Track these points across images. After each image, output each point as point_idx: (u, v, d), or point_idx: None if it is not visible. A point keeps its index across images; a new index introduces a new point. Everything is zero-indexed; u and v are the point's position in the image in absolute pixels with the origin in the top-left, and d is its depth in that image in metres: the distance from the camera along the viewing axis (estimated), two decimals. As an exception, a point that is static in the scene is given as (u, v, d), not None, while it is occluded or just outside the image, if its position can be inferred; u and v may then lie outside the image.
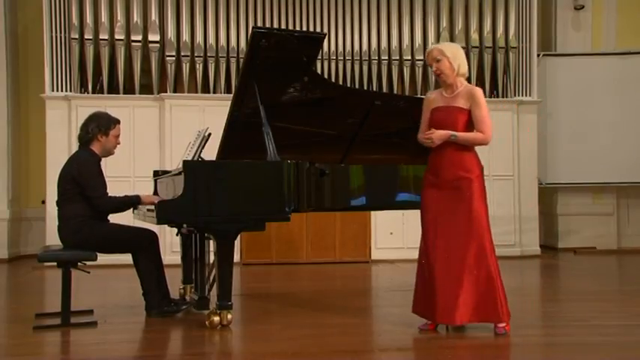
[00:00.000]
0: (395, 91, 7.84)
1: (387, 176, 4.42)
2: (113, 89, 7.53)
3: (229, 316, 3.88)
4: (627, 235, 8.78)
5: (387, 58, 7.94)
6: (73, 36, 7.39)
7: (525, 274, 6.79)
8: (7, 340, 3.82)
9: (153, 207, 3.93)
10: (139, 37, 7.50)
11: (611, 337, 3.74)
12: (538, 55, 8.20)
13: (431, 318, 3.71)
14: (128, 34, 7.51)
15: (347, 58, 7.83)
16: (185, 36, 7.57)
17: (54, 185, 4.29)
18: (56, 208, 4.22)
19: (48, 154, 7.25)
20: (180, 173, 3.85)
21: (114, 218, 4.29)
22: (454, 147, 3.68)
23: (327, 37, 7.53)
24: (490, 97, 7.99)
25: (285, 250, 7.21)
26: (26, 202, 8.21)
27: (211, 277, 4.39)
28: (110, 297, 5.22)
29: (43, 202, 7.24)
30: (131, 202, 4.23)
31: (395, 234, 7.43)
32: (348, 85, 7.69)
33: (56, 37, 7.38)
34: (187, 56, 7.56)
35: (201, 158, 4.24)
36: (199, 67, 7.59)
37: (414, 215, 4.00)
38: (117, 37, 7.45)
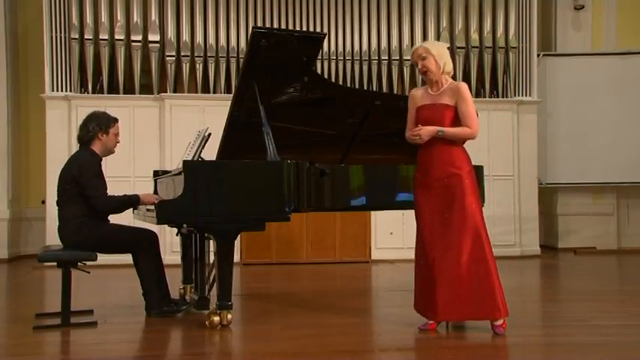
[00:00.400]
0: (395, 91, 7.84)
1: (387, 176, 4.42)
2: (113, 89, 7.53)
3: (229, 316, 3.88)
4: (627, 235, 8.78)
5: (387, 58, 7.94)
6: (73, 36, 7.39)
7: (525, 274, 6.79)
8: (7, 340, 3.82)
9: (153, 207, 3.93)
10: (139, 37, 7.50)
11: (611, 337, 3.74)
12: (538, 55, 8.20)
13: (432, 316, 3.71)
14: (128, 34, 7.51)
15: (347, 58, 7.83)
16: (185, 36, 7.57)
17: (54, 185, 4.29)
18: (56, 208, 4.22)
19: (48, 154, 7.25)
20: (180, 173, 3.85)
21: (114, 218, 4.30)
22: (442, 144, 3.68)
23: (327, 37, 7.53)
24: (490, 97, 8.00)
25: (285, 250, 7.21)
26: (26, 202, 8.21)
27: (211, 277, 4.39)
28: (110, 297, 5.22)
29: (43, 202, 7.24)
30: (130, 202, 4.23)
31: (395, 234, 7.43)
32: (348, 85, 7.69)
33: (56, 37, 7.38)
34: (187, 56, 7.57)
35: (201, 158, 4.24)
36: (199, 67, 7.59)
37: (414, 215, 4.00)
38: (117, 37, 7.46)
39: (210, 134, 4.32)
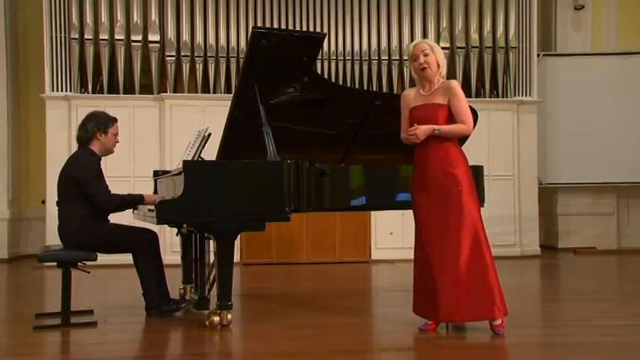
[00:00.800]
0: (395, 91, 7.83)
1: (387, 176, 4.42)
2: (113, 89, 7.53)
3: (229, 316, 3.88)
4: (627, 235, 8.78)
5: (387, 58, 7.94)
6: (73, 36, 7.39)
7: (525, 274, 6.79)
8: (7, 340, 3.82)
9: (153, 207, 3.93)
10: (139, 37, 7.50)
11: (611, 337, 3.74)
12: (538, 55, 8.21)
13: (433, 317, 3.71)
14: (128, 34, 7.51)
15: (347, 58, 7.83)
16: (185, 36, 7.57)
17: (54, 185, 4.29)
18: (56, 208, 4.22)
19: (48, 154, 7.25)
20: (180, 173, 3.85)
21: (114, 218, 4.30)
22: (438, 143, 3.69)
23: (327, 37, 7.53)
24: (490, 97, 8.00)
25: (285, 250, 7.21)
26: (26, 202, 8.21)
27: (211, 277, 4.39)
28: (110, 297, 5.22)
29: (43, 202, 7.24)
30: (134, 201, 4.23)
31: (395, 234, 7.43)
32: (348, 85, 7.69)
33: (56, 37, 7.38)
34: (187, 56, 7.57)
35: (201, 158, 4.24)
36: (199, 67, 7.59)
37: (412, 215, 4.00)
38: (117, 37, 7.46)
39: (210, 134, 4.32)
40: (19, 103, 8.15)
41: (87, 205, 4.11)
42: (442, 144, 3.69)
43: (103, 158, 4.31)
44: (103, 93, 7.50)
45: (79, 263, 4.06)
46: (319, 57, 7.55)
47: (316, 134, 4.64)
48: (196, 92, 7.59)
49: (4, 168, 7.79)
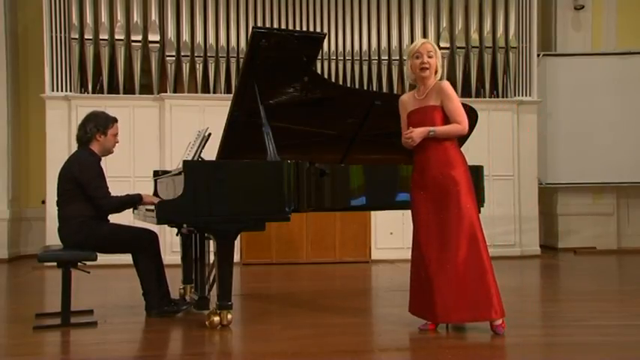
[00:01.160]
0: (395, 91, 7.84)
1: (387, 176, 4.42)
2: (113, 89, 7.53)
3: (229, 316, 3.88)
4: (627, 235, 8.78)
5: (387, 58, 7.94)
6: (73, 36, 7.40)
7: (525, 274, 6.79)
8: (7, 340, 3.82)
9: (153, 207, 3.93)
10: (139, 37, 7.50)
11: (611, 337, 3.74)
12: (538, 55, 8.21)
13: (430, 318, 3.72)
14: (128, 34, 7.51)
15: (347, 58, 7.83)
16: (185, 36, 7.57)
17: (54, 185, 4.29)
18: (56, 208, 4.22)
19: (48, 154, 7.25)
20: (180, 173, 3.85)
21: (114, 218, 4.30)
22: (436, 144, 3.70)
23: (327, 37, 7.53)
24: (490, 97, 8.00)
25: (285, 250, 7.21)
26: (26, 202, 8.22)
27: (211, 277, 4.39)
28: (110, 297, 5.22)
29: (43, 202, 7.24)
30: (133, 201, 4.24)
31: (395, 234, 7.43)
32: (348, 85, 7.69)
33: (56, 37, 7.38)
34: (187, 56, 7.57)
35: (201, 158, 4.24)
36: (199, 67, 7.59)
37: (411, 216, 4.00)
38: (117, 37, 7.46)
39: (210, 134, 4.32)
40: (19, 103, 8.15)
41: (87, 205, 4.11)
42: (440, 145, 3.70)
43: (102, 158, 4.31)
44: (103, 93, 7.50)
45: (79, 263, 4.06)
46: (319, 57, 7.55)
47: (316, 134, 4.64)
48: (196, 92, 7.59)
49: (4, 168, 7.79)
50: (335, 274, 6.58)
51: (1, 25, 7.78)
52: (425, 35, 7.94)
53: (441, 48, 7.81)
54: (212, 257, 4.28)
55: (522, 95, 8.01)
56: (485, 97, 7.96)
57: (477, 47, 7.98)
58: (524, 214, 7.93)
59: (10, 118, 7.87)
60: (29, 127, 8.23)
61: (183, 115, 7.35)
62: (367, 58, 7.86)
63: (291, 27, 7.68)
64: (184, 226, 4.36)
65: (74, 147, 4.47)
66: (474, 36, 7.98)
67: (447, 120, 3.72)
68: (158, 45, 7.53)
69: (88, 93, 7.48)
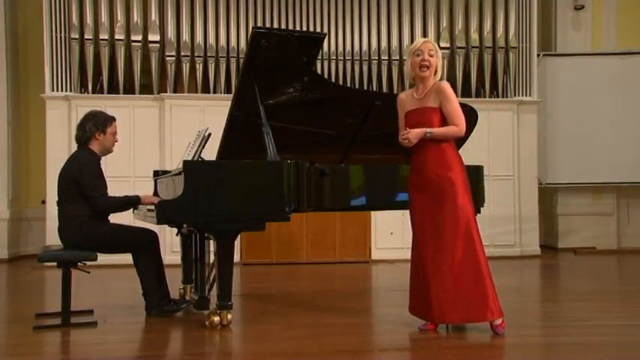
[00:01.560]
0: (395, 91, 7.83)
1: (387, 176, 4.42)
2: (113, 89, 7.53)
3: (229, 316, 3.88)
4: (627, 235, 8.78)
5: (387, 58, 7.94)
6: (73, 36, 7.40)
7: (525, 274, 6.79)
8: (7, 340, 3.82)
9: (153, 207, 3.93)
10: (139, 37, 7.50)
11: (611, 337, 3.74)
12: (538, 55, 8.21)
13: (428, 318, 3.72)
14: (128, 34, 7.51)
15: (347, 58, 7.83)
16: (185, 36, 7.57)
17: (54, 185, 4.28)
18: (56, 208, 4.22)
19: (48, 154, 7.25)
20: (180, 173, 3.85)
21: (114, 218, 4.30)
22: (434, 145, 3.70)
23: (327, 37, 7.53)
24: (490, 97, 8.00)
25: (285, 250, 7.21)
26: (26, 202, 8.22)
27: (211, 277, 4.39)
28: (110, 297, 5.22)
29: (43, 202, 7.25)
30: (131, 203, 4.23)
31: (395, 234, 7.43)
32: (348, 85, 7.69)
33: (56, 37, 7.38)
34: (187, 56, 7.57)
35: (201, 158, 4.24)
36: (199, 67, 7.59)
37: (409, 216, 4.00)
38: (117, 37, 7.46)
39: (210, 134, 4.32)
40: (19, 103, 8.15)
41: (87, 205, 4.11)
42: (437, 146, 3.70)
43: (102, 158, 4.31)
44: (103, 93, 7.50)
45: (79, 263, 4.06)
46: (319, 57, 7.55)
47: (316, 134, 4.64)
48: (196, 92, 7.59)
49: (4, 168, 7.79)
50: (335, 274, 6.58)
51: (1, 25, 7.78)
52: (425, 35, 7.93)
53: (441, 48, 7.77)
54: (212, 257, 4.28)
55: (522, 95, 8.01)
56: (485, 97, 7.96)
57: (477, 47, 7.98)
58: (524, 214, 7.93)
59: (10, 118, 7.87)
60: (29, 127, 8.23)
61: (183, 115, 7.35)
62: (367, 58, 7.86)
63: (291, 27, 7.68)
64: (184, 226, 4.36)
65: (74, 147, 4.47)
66: (474, 36, 7.98)
67: (444, 122, 3.72)
68: (158, 45, 7.53)
69: (88, 93, 7.48)
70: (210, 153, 4.37)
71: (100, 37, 7.42)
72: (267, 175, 3.89)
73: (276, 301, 5.03)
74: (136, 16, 7.50)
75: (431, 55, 3.72)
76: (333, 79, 7.65)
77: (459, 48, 7.95)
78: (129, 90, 7.53)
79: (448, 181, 3.66)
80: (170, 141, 7.33)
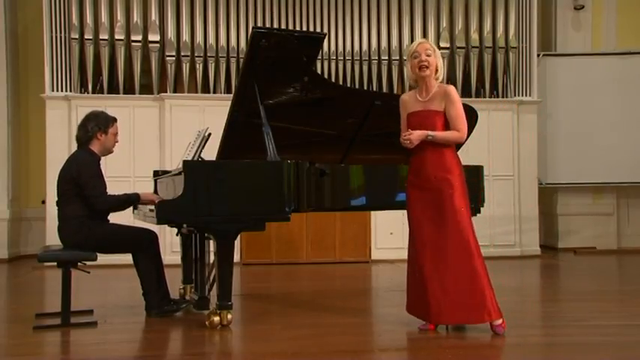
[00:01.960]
0: (395, 91, 7.84)
1: (387, 176, 4.42)
2: (113, 89, 7.53)
3: (229, 316, 3.88)
4: (627, 235, 8.78)
5: (387, 58, 7.94)
6: (73, 36, 7.39)
7: (525, 274, 6.79)
8: (7, 340, 3.82)
9: (153, 207, 3.93)
10: (139, 37, 7.50)
11: (611, 337, 3.74)
12: (538, 55, 8.21)
13: (425, 318, 3.73)
14: (128, 34, 7.51)
15: (347, 58, 7.83)
16: (185, 36, 7.57)
17: (54, 185, 4.28)
18: (56, 208, 4.22)
19: (48, 154, 7.25)
20: (180, 173, 3.85)
21: (114, 218, 4.30)
22: (433, 147, 3.70)
23: (327, 37, 7.53)
24: (490, 97, 8.00)
25: (285, 250, 7.21)
26: (26, 202, 8.21)
27: (211, 277, 4.39)
28: (110, 297, 5.22)
29: (43, 202, 7.24)
30: (130, 201, 4.23)
31: (395, 234, 7.42)
32: (348, 85, 7.69)
33: (56, 37, 7.38)
34: (187, 56, 7.57)
35: (201, 158, 4.24)
36: (199, 67, 7.59)
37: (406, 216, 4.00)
38: (117, 37, 7.46)
39: (210, 134, 4.32)
40: (19, 103, 8.15)
41: (87, 205, 4.11)
42: (437, 148, 3.71)
43: (102, 158, 4.31)
44: (103, 93, 7.50)
45: (79, 263, 4.06)
46: (319, 57, 7.55)
47: (316, 134, 4.64)
48: (196, 92, 7.59)
49: (4, 168, 7.79)
50: (335, 274, 6.58)
51: (1, 25, 7.78)
52: (425, 35, 7.94)
53: (441, 48, 7.85)
54: (212, 257, 4.28)
55: (522, 95, 8.01)
56: (485, 97, 7.96)
57: (477, 47, 7.98)
58: (524, 214, 7.93)
59: (10, 118, 7.87)
60: (29, 127, 8.23)
61: (183, 115, 7.35)
62: (367, 58, 7.86)
63: (291, 27, 7.68)
64: (184, 226, 4.36)
65: (74, 147, 4.47)
66: (474, 36, 7.98)
67: (447, 125, 3.72)
68: (158, 45, 7.53)
69: (88, 93, 7.48)
70: (210, 153, 4.37)
71: (100, 37, 7.42)
72: (267, 175, 3.89)
73: (276, 301, 5.03)
74: (136, 16, 7.50)
75: (428, 55, 3.70)
76: (333, 79, 7.65)
77: (458, 48, 7.95)
78: (129, 90, 7.53)
79: (446, 183, 3.66)
80: (170, 141, 7.33)
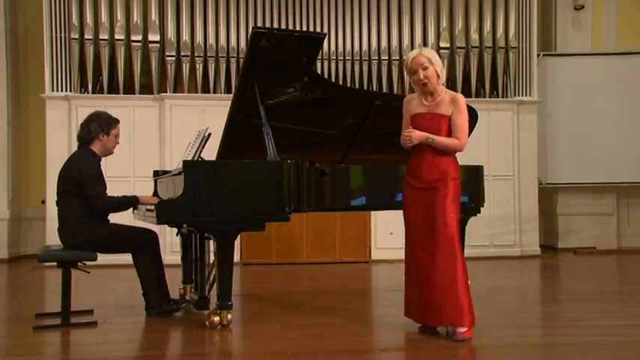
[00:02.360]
0: (395, 91, 7.84)
1: (387, 176, 4.42)
2: (113, 89, 7.53)
3: (229, 316, 3.88)
4: (627, 235, 8.78)
5: (387, 58, 7.94)
6: (73, 36, 7.39)
7: (525, 274, 6.79)
8: (7, 340, 3.82)
9: (153, 207, 3.93)
10: (139, 37, 7.50)
11: (611, 337, 3.74)
12: (538, 55, 8.20)
13: (420, 319, 3.74)
14: (128, 34, 7.51)
15: (347, 58, 7.83)
16: (185, 36, 7.57)
17: (54, 185, 4.29)
18: (56, 208, 4.22)
19: (48, 154, 7.25)
20: (180, 173, 3.85)
21: (114, 218, 4.30)
22: (433, 152, 3.68)
23: (327, 37, 7.52)
24: (490, 97, 8.00)
25: (285, 250, 7.21)
26: (26, 202, 8.21)
27: (211, 277, 4.39)
28: (110, 297, 5.22)
29: (43, 202, 7.24)
30: (129, 203, 4.24)
31: (395, 234, 7.38)
32: (348, 85, 7.69)
33: (56, 37, 7.38)
34: (187, 56, 7.57)
35: (201, 158, 4.25)
36: (199, 67, 7.59)
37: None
38: (117, 37, 7.46)
39: (210, 134, 4.32)
40: (19, 103, 8.15)
41: (87, 206, 4.11)
42: (436, 152, 3.68)
43: (102, 158, 4.31)
44: (103, 93, 7.50)
45: (79, 263, 4.06)
46: (319, 57, 7.55)
47: (316, 134, 4.64)
48: (196, 92, 7.59)
49: (4, 168, 7.78)
50: (335, 274, 6.58)
51: (1, 25, 7.78)
52: (425, 35, 7.94)
53: (441, 48, 7.86)
54: (212, 257, 4.28)
55: (522, 95, 8.01)
56: (485, 97, 7.96)
57: (477, 47, 7.98)
58: (524, 214, 7.93)
59: (10, 118, 7.87)
60: (29, 127, 8.23)
61: (183, 115, 7.35)
62: (367, 58, 7.86)
63: (291, 27, 7.68)
64: (184, 226, 4.36)
65: (74, 147, 4.47)
66: (474, 36, 7.98)
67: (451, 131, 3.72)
68: (158, 45, 7.53)
69: (88, 93, 7.48)
70: (210, 153, 4.37)
71: (100, 37, 7.42)
72: (267, 175, 3.89)
73: (276, 301, 5.03)
74: (136, 16, 7.50)
75: (425, 69, 3.63)
76: (333, 79, 7.65)
77: (458, 48, 7.95)
78: (129, 90, 7.53)
79: (442, 187, 3.64)
80: (170, 141, 7.33)
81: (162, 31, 7.56)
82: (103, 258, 4.21)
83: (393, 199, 4.38)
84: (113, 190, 4.23)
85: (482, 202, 4.84)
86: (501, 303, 4.78)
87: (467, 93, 7.89)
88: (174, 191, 4.02)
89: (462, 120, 3.69)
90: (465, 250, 4.05)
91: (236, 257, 5.58)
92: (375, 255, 7.42)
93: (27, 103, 8.21)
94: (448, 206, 3.62)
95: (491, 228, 7.67)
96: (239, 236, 4.03)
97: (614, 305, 4.81)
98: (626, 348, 3.48)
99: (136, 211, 4.65)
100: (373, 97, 4.62)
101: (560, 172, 8.48)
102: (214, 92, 7.63)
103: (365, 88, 7.73)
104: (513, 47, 7.97)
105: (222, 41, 7.62)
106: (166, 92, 7.53)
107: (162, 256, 4.40)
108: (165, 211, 3.77)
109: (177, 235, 4.80)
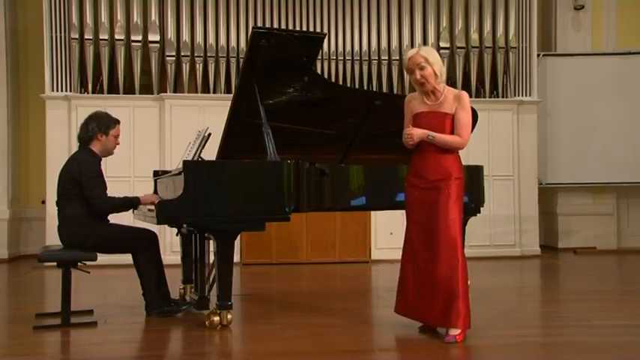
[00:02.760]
0: (395, 91, 7.84)
1: (387, 176, 4.43)
2: (113, 89, 7.53)
3: (229, 316, 3.88)
4: (627, 235, 8.78)
5: (387, 58, 7.94)
6: (73, 36, 7.39)
7: (525, 274, 6.79)
8: (7, 340, 3.82)
9: (153, 207, 3.93)
10: (139, 37, 7.50)
11: (611, 337, 3.74)
12: (538, 55, 8.20)
13: (421, 319, 3.73)
14: (128, 34, 7.51)
15: (347, 58, 7.83)
16: (185, 36, 7.57)
17: (54, 185, 4.29)
18: (56, 208, 4.23)
19: (48, 154, 7.25)
20: (180, 173, 3.85)
21: (114, 218, 4.30)
22: (435, 151, 3.66)
23: (327, 37, 7.52)
24: (490, 97, 8.00)
25: (285, 250, 7.21)
26: (26, 202, 8.21)
27: (211, 277, 4.39)
28: (110, 297, 5.22)
29: (43, 202, 7.24)
30: (130, 204, 4.24)
31: (395, 234, 7.39)
32: (348, 85, 7.69)
33: (56, 37, 7.38)
34: (187, 56, 7.57)
35: (201, 158, 4.25)
36: (199, 67, 7.59)
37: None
38: (117, 37, 7.46)
39: (210, 134, 4.33)
40: (19, 103, 8.15)
41: (87, 206, 4.11)
42: (439, 151, 3.67)
43: (103, 159, 4.31)
44: (103, 93, 7.49)
45: (79, 263, 4.06)
46: (319, 57, 7.55)
47: (316, 134, 4.64)
48: (196, 92, 7.59)
49: (4, 168, 7.78)
50: (335, 274, 6.58)
51: (1, 25, 7.78)
52: (425, 35, 7.94)
53: (441, 48, 7.86)
54: (212, 257, 4.28)
55: (522, 95, 8.01)
56: (485, 97, 7.96)
57: (477, 47, 7.98)
58: (524, 214, 7.93)
59: (10, 118, 7.87)
60: (29, 127, 8.23)
61: (183, 115, 7.35)
62: (367, 58, 7.86)
63: (291, 27, 7.68)
64: (184, 226, 4.37)
65: (74, 147, 4.49)
66: (474, 36, 7.98)
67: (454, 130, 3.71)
68: (158, 45, 7.53)
69: (88, 93, 7.48)
70: (210, 153, 4.37)
71: (100, 37, 7.42)
72: (267, 175, 3.89)
73: (276, 301, 5.03)
74: (136, 16, 7.50)
75: (422, 68, 3.60)
76: (333, 79, 7.65)
77: (458, 48, 7.95)
78: (129, 90, 7.53)
79: (445, 187, 3.62)
80: (170, 141, 7.33)
81: (162, 31, 7.56)
82: (103, 258, 4.21)
83: (393, 199, 4.39)
84: (113, 190, 4.23)
85: (482, 202, 4.84)
86: (501, 303, 4.78)
87: (467, 93, 7.88)
88: (174, 191, 4.02)
89: (466, 117, 3.68)
90: (465, 250, 4.03)
91: (236, 257, 5.59)
92: (375, 255, 7.42)
93: (27, 103, 8.21)
94: (451, 206, 3.61)
95: (491, 228, 7.67)
96: (239, 236, 4.03)
97: (614, 305, 4.81)
98: (626, 348, 3.48)
99: (136, 211, 4.65)
100: (373, 97, 4.62)
101: (560, 172, 8.48)
102: (214, 92, 7.63)
103: (365, 88, 7.73)
104: (513, 47, 7.97)
105: (222, 41, 7.62)
106: (166, 92, 7.53)
107: (163, 256, 4.40)
108: (165, 211, 3.77)
109: (177, 235, 4.80)
